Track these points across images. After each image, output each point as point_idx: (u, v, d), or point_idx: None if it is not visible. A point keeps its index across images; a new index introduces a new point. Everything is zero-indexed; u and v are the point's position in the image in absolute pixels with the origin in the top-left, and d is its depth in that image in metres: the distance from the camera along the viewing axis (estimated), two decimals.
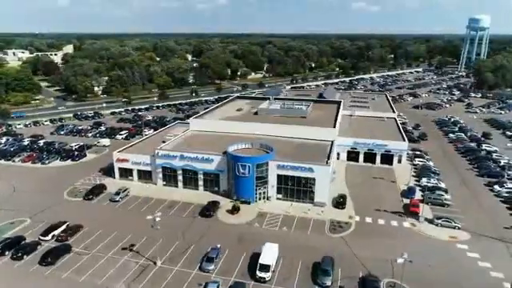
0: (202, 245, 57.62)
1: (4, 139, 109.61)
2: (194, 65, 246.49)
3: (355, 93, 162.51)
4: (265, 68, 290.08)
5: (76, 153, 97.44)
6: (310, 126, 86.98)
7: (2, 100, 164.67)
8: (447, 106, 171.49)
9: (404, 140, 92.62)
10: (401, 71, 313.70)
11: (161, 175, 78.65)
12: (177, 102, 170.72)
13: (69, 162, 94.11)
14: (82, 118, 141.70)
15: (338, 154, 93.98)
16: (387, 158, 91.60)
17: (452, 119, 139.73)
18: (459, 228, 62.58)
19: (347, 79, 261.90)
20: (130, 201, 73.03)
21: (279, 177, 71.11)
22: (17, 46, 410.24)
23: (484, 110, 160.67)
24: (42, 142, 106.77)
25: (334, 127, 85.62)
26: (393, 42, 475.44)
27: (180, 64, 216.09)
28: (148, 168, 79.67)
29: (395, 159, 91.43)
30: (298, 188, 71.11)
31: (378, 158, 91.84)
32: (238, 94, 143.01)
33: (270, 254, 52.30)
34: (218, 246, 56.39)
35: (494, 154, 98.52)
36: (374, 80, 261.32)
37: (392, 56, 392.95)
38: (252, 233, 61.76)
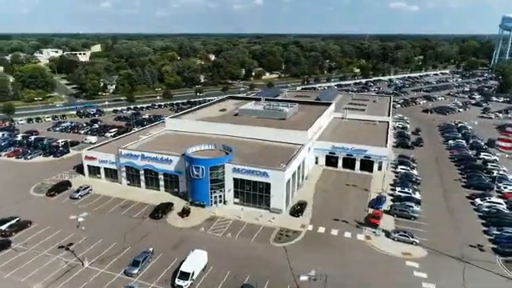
0: (138, 247, 56.32)
1: (0, 134, 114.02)
2: (209, 65, 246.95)
3: (358, 95, 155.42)
4: (283, 68, 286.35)
5: (60, 149, 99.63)
6: (280, 129, 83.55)
7: (18, 96, 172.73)
8: (460, 110, 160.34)
9: (385, 145, 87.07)
10: (424, 73, 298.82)
11: (124, 174, 78.45)
12: (180, 101, 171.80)
13: (51, 158, 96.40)
14: (82, 116, 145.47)
15: (317, 158, 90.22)
16: (367, 164, 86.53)
17: (459, 125, 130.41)
18: (416, 244, 57.43)
19: (364, 80, 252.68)
20: (89, 199, 73.16)
21: (236, 180, 68.64)
22: (53, 45, 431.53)
23: (500, 115, 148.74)
24: (32, 138, 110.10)
25: (307, 130, 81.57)
26: (429, 42, 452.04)
27: (189, 63, 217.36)
28: (114, 167, 79.74)
29: (375, 165, 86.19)
30: (254, 193, 68.35)
31: (358, 164, 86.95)
32: (230, 95, 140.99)
33: (194, 261, 50.18)
34: (151, 249, 54.94)
35: (490, 164, 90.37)
36: (393, 82, 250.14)
37: (421, 57, 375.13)
38: (194, 237, 59.81)
